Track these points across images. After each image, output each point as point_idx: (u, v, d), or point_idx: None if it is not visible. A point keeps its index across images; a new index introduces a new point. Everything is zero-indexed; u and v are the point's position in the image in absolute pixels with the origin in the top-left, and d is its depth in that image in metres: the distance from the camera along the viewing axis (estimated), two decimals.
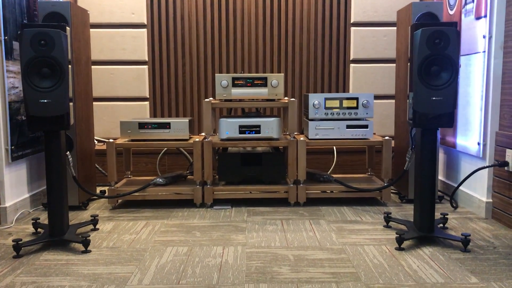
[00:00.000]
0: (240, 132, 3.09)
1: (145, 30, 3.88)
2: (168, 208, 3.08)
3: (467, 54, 3.01)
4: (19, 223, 2.80)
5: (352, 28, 3.89)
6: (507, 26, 2.69)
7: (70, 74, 2.30)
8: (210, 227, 2.69)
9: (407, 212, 2.97)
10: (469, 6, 2.98)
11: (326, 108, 3.15)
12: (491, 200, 2.81)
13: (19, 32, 2.25)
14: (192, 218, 2.87)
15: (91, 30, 3.42)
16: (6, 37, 2.73)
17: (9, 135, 2.76)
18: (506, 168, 2.66)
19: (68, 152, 2.51)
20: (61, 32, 2.24)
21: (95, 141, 3.66)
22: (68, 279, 2.00)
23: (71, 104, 2.33)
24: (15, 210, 2.85)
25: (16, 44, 2.82)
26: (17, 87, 2.85)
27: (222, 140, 3.12)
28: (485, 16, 2.79)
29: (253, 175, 3.17)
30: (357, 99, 3.15)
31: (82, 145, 3.08)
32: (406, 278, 1.99)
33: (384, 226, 2.68)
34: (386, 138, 3.12)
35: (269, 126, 3.09)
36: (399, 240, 2.32)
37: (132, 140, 3.15)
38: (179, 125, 3.13)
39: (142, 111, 3.93)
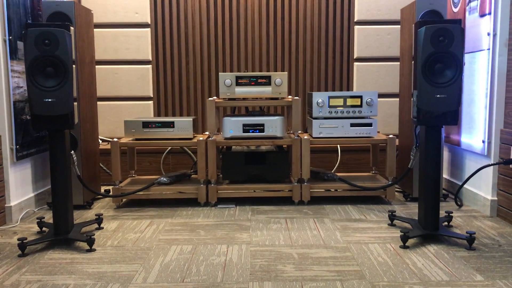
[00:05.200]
0: (244, 131, 3.09)
1: (148, 29, 3.88)
2: (172, 207, 3.08)
3: (472, 52, 3.00)
4: (24, 222, 2.81)
5: (356, 27, 3.88)
6: None
7: (74, 74, 2.30)
8: (214, 226, 2.69)
9: (411, 210, 2.96)
10: (473, 4, 2.97)
11: (330, 106, 3.15)
12: (496, 198, 2.80)
13: (23, 32, 2.27)
14: (196, 217, 2.87)
15: (95, 29, 3.43)
16: (10, 37, 2.74)
17: (13, 134, 2.77)
18: (511, 166, 2.65)
19: (72, 152, 2.52)
20: (65, 31, 2.24)
21: (100, 140, 3.67)
22: (73, 277, 2.01)
23: (75, 103, 2.34)
24: (20, 209, 2.86)
25: (20, 44, 2.83)
26: (21, 87, 2.86)
27: (226, 139, 3.12)
28: (490, 13, 2.78)
29: (257, 173, 3.17)
30: (361, 97, 3.14)
31: (86, 144, 3.09)
32: (411, 276, 1.98)
33: (388, 225, 2.67)
34: (390, 136, 3.11)
35: (273, 125, 3.09)
36: (404, 238, 2.31)
37: (136, 139, 3.15)
38: (183, 124, 3.14)
39: (146, 111, 3.93)
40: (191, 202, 3.15)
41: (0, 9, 2.67)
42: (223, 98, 3.17)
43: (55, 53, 2.23)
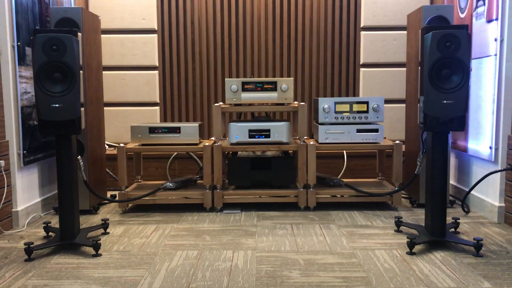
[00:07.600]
0: (250, 136, 3.09)
1: (155, 35, 3.91)
2: (178, 212, 3.08)
3: (479, 58, 2.99)
4: (31, 227, 2.82)
5: (362, 32, 3.89)
6: None
7: (81, 79, 2.32)
8: (220, 231, 2.69)
9: (418, 216, 2.94)
10: (480, 9, 2.97)
11: (336, 112, 3.14)
12: (503, 205, 2.78)
13: (31, 38, 2.28)
14: (202, 222, 2.87)
15: (102, 35, 3.45)
16: (19, 43, 2.76)
17: (21, 139, 2.79)
18: None
19: (79, 157, 2.53)
20: (73, 37, 2.26)
21: (106, 145, 3.68)
22: (79, 282, 2.01)
23: (82, 109, 2.35)
24: (26, 214, 2.87)
25: (28, 50, 2.86)
26: (29, 92, 2.88)
27: (232, 144, 3.12)
28: (497, 19, 2.77)
29: (263, 179, 3.17)
30: (367, 103, 3.14)
31: (93, 149, 3.11)
32: (417, 283, 1.97)
33: (395, 231, 2.66)
34: (397, 142, 3.10)
35: (279, 130, 3.09)
36: (410, 245, 2.30)
37: (143, 145, 3.16)
38: (189, 130, 3.14)
39: (152, 116, 3.95)
40: (197, 208, 3.15)
41: (9, 15, 2.70)
42: (229, 104, 3.18)
43: (62, 59, 2.25)
